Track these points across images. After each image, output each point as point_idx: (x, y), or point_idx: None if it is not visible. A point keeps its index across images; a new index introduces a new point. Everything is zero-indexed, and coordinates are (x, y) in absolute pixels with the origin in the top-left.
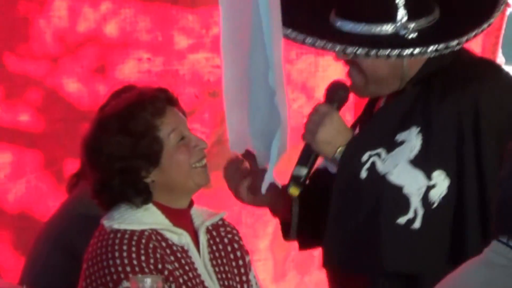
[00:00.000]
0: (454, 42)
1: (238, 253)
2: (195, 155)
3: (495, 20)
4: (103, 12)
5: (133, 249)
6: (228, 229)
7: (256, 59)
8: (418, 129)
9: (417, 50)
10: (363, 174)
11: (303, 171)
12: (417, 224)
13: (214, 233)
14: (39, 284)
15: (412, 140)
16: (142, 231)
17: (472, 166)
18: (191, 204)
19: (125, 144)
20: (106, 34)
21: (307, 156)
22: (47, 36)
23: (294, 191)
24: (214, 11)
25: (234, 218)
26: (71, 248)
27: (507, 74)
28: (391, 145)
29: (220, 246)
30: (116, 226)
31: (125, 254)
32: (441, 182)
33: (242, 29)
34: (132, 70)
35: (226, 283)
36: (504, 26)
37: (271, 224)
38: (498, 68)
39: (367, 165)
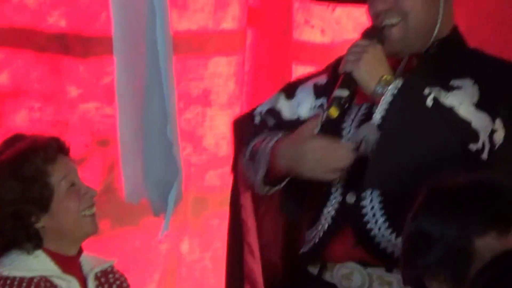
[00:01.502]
0: None
1: None
2: (85, 202)
3: None
4: None
5: None
6: (117, 276)
7: (151, 110)
8: (473, 81)
9: None
10: (429, 102)
11: (345, 93)
12: (484, 156)
13: (103, 280)
14: None
15: (469, 88)
16: (31, 278)
17: None
18: (80, 251)
19: (16, 188)
20: None
21: (348, 81)
22: None
23: (334, 111)
24: (104, 61)
25: (122, 265)
26: None
27: None
28: (449, 88)
29: None
30: (5, 273)
31: None
32: (500, 130)
33: (137, 81)
34: (24, 119)
35: None
36: None
37: (158, 271)
38: None
39: (431, 96)
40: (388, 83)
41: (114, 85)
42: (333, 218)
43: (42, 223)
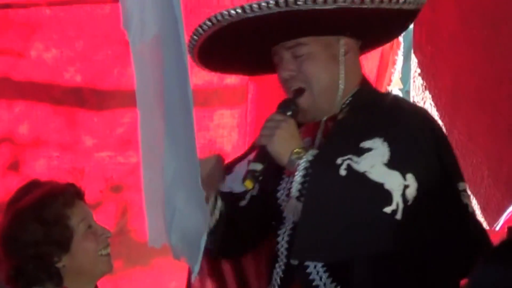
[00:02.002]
0: None
1: None
2: (101, 242)
3: None
4: (16, 113)
5: None
6: None
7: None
8: (382, 139)
9: None
10: (343, 172)
11: (259, 167)
12: (399, 216)
13: None
14: None
15: (379, 148)
16: None
17: (437, 173)
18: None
19: (39, 231)
20: (19, 133)
21: (263, 155)
22: None
23: (249, 184)
24: (118, 113)
25: None
26: None
27: None
28: (359, 151)
29: None
30: None
31: None
32: (413, 184)
33: (157, 133)
34: (43, 167)
35: None
36: None
37: None
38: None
39: (344, 166)
40: (299, 157)
41: (126, 135)
42: (281, 278)
43: (63, 262)
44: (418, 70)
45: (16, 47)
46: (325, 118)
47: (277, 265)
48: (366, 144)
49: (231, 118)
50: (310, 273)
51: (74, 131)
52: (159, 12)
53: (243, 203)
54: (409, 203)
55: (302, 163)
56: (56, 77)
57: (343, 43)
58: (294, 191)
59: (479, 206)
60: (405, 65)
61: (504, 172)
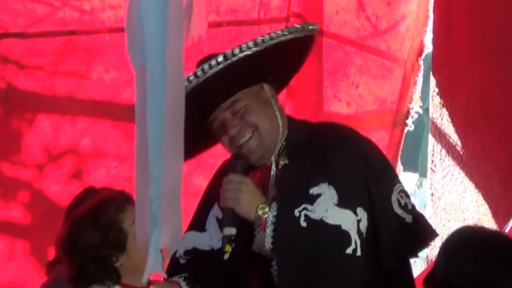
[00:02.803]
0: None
1: None
2: None
3: (395, 136)
4: (79, 128)
5: None
6: None
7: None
8: (326, 183)
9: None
10: (303, 224)
11: (233, 231)
12: (359, 252)
13: None
14: None
15: (327, 191)
16: None
17: (378, 201)
18: (149, 282)
19: (97, 236)
20: (82, 146)
21: (233, 218)
22: (35, 148)
23: (229, 248)
24: None
25: None
26: None
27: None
28: (311, 199)
29: None
30: None
31: None
32: (363, 216)
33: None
34: (103, 176)
35: None
36: (402, 142)
37: None
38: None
39: (302, 218)
40: (264, 212)
41: None
42: None
43: (121, 262)
44: (436, 90)
45: (80, 69)
46: (274, 159)
47: None
48: (314, 190)
49: None
50: None
51: (130, 144)
52: (148, 41)
53: (225, 256)
54: (364, 236)
55: (270, 220)
56: (114, 96)
57: (267, 89)
58: (268, 244)
59: (490, 211)
60: (424, 85)
61: None
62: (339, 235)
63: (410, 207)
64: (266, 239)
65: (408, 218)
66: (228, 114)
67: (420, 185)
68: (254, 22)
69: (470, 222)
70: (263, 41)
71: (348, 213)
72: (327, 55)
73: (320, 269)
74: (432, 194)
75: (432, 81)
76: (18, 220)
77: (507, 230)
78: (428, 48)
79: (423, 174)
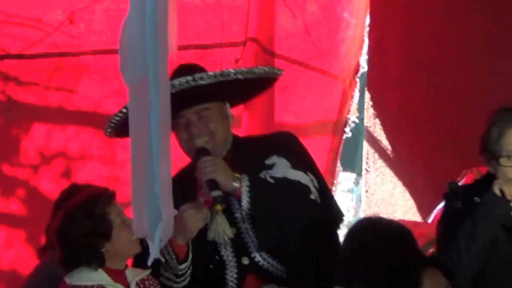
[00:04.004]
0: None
1: None
2: (131, 231)
3: (336, 142)
4: (68, 135)
5: None
6: (151, 282)
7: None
8: (276, 155)
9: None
10: (271, 180)
11: (219, 192)
12: (318, 200)
13: (141, 286)
14: None
15: (279, 161)
16: (92, 286)
17: (318, 173)
18: (126, 266)
19: (88, 225)
20: (70, 150)
21: (215, 184)
22: (31, 151)
23: (219, 207)
24: None
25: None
26: None
27: None
28: (268, 167)
29: None
30: (74, 282)
31: None
32: (313, 178)
33: (143, 154)
34: (88, 175)
35: None
36: (341, 146)
37: None
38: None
39: (268, 177)
40: (240, 180)
41: None
42: (236, 279)
43: (106, 248)
44: (370, 103)
45: (69, 85)
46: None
47: (227, 272)
48: (269, 161)
49: None
50: (262, 265)
51: (111, 148)
52: (147, 58)
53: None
54: (318, 190)
55: (244, 185)
56: (98, 107)
57: (228, 106)
58: (246, 205)
59: (415, 205)
60: (360, 99)
61: (435, 180)
62: (302, 186)
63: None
64: (243, 202)
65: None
66: (195, 116)
67: (356, 183)
68: (216, 45)
69: (398, 214)
70: (247, 72)
71: (302, 173)
72: None
73: (293, 212)
74: (366, 191)
75: (367, 95)
76: (16, 213)
77: (429, 221)
78: (363, 67)
79: (359, 174)
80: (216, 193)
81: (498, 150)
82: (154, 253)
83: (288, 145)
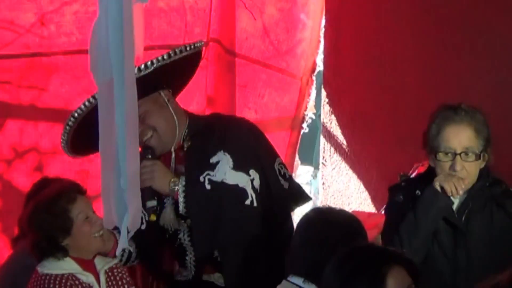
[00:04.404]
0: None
1: (126, 286)
2: (96, 227)
3: (294, 137)
4: (40, 131)
5: (57, 287)
6: (120, 269)
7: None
8: (222, 150)
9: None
10: (208, 186)
11: (154, 203)
12: (255, 204)
13: (110, 274)
14: None
15: (224, 158)
16: (62, 275)
17: (266, 165)
18: (95, 256)
19: (48, 220)
20: (42, 145)
21: (152, 192)
22: (4, 147)
23: (153, 217)
24: None
25: None
26: (16, 284)
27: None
28: (212, 166)
29: (114, 282)
30: (45, 271)
31: None
32: (255, 176)
33: (111, 149)
34: (59, 169)
35: None
36: (299, 141)
37: None
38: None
39: (207, 182)
40: (175, 184)
41: None
42: (195, 264)
43: (67, 242)
44: (327, 100)
45: (40, 84)
46: (173, 149)
47: (187, 255)
48: (214, 159)
49: None
50: (217, 257)
51: None
52: (112, 60)
53: (143, 226)
54: (258, 191)
55: (180, 189)
56: (68, 105)
57: (164, 94)
58: (182, 209)
59: (370, 197)
60: (317, 96)
61: (388, 173)
62: (238, 191)
63: (287, 176)
64: (180, 206)
65: (285, 185)
66: None
67: (314, 176)
68: (180, 46)
69: (353, 205)
70: (157, 61)
71: (242, 174)
72: (239, 72)
73: (226, 219)
74: (323, 183)
75: (323, 93)
76: None
77: (382, 212)
78: (320, 66)
79: (316, 167)
80: (150, 203)
81: (437, 145)
82: (122, 243)
83: (238, 139)
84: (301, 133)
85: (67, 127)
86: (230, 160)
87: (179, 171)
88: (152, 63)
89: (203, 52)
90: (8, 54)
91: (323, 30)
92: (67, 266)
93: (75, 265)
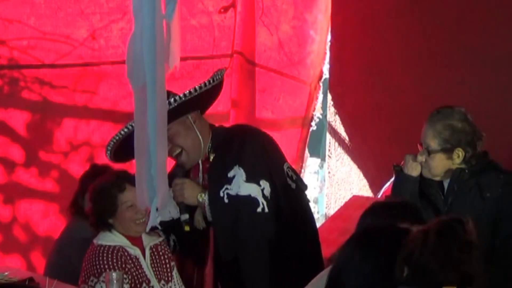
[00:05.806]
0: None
1: (167, 260)
2: (139, 214)
3: (304, 133)
4: (92, 128)
5: (109, 256)
6: (163, 246)
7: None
8: (237, 165)
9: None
10: (226, 200)
11: (186, 216)
12: (266, 210)
13: (154, 249)
14: (56, 275)
15: (238, 172)
16: (114, 246)
17: (275, 172)
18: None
19: (99, 202)
20: (93, 140)
21: (185, 207)
22: (62, 141)
23: (187, 228)
24: None
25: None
26: (72, 255)
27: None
28: (229, 180)
29: (157, 257)
30: (100, 242)
31: (104, 258)
32: (265, 185)
33: (143, 139)
34: (107, 160)
35: (159, 277)
36: (308, 137)
37: None
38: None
39: (225, 196)
40: (203, 198)
41: None
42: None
43: (111, 221)
44: (332, 102)
45: (92, 88)
46: (200, 161)
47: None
48: (230, 173)
49: None
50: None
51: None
52: (146, 68)
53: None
54: (269, 198)
55: (206, 203)
56: (115, 106)
57: (191, 117)
58: (208, 217)
59: (368, 184)
60: (324, 100)
61: (383, 163)
62: (250, 201)
63: (295, 177)
64: (207, 215)
65: (293, 185)
66: None
67: (321, 166)
68: (209, 57)
69: (354, 191)
70: (190, 92)
71: (253, 185)
72: (258, 79)
73: (242, 226)
74: (329, 172)
75: (329, 96)
76: (50, 190)
77: (379, 196)
78: (326, 74)
79: (323, 159)
80: (184, 217)
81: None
82: (152, 220)
83: (251, 155)
84: (310, 130)
85: (111, 143)
86: (244, 173)
87: (207, 180)
88: (180, 98)
89: (228, 65)
90: (65, 64)
91: (329, 44)
92: (118, 239)
93: (124, 240)
